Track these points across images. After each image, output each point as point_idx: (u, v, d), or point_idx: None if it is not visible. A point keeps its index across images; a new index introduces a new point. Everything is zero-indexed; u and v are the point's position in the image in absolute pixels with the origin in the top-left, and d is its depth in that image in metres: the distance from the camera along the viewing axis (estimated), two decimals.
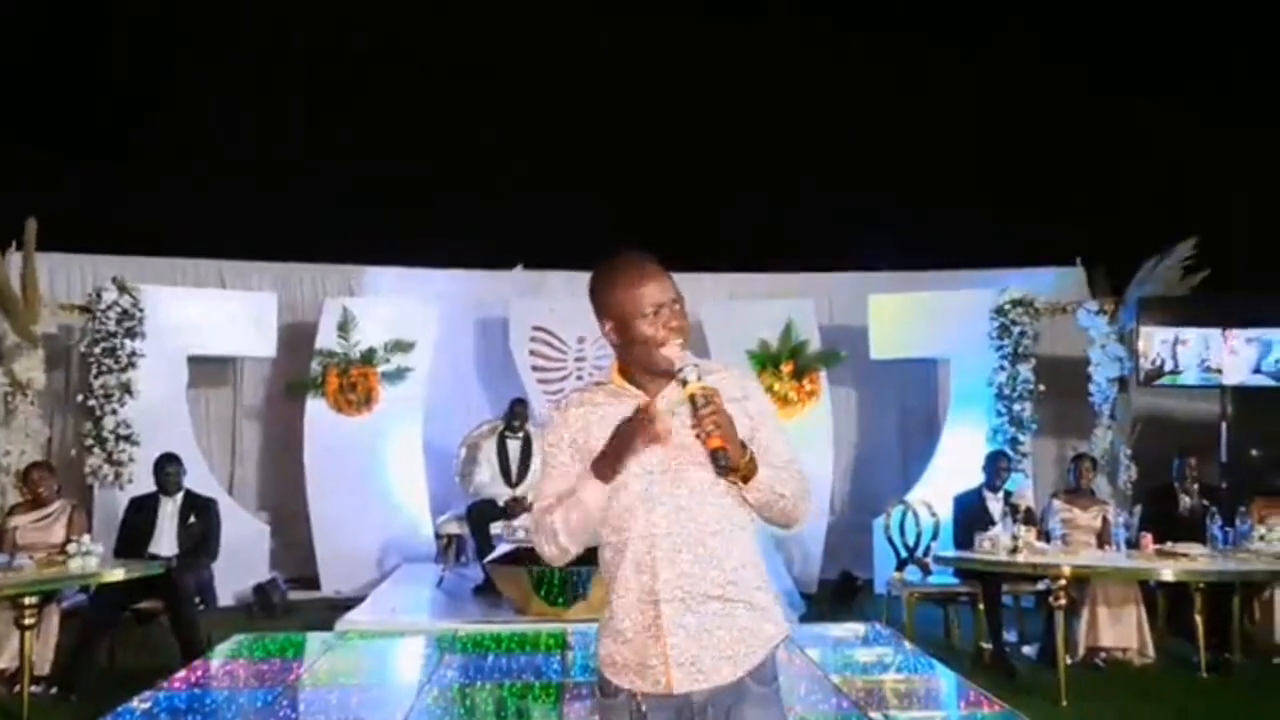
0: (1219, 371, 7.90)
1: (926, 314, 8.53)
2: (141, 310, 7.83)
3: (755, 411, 2.05)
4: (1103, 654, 5.91)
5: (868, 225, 10.37)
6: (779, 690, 2.06)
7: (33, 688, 4.95)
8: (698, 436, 1.91)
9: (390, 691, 4.88)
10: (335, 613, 6.67)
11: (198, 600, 5.96)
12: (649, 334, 2.00)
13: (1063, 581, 5.34)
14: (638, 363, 2.06)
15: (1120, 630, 5.90)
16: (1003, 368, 8.16)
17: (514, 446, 7.70)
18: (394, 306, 8.66)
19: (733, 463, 1.90)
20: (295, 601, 7.84)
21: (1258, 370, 7.92)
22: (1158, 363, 7.93)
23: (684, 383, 1.94)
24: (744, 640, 1.99)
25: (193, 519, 6.13)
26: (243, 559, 7.51)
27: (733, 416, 1.94)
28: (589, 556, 2.11)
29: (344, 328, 8.35)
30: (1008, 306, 8.20)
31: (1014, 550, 5.65)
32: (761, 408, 2.08)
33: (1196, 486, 6.67)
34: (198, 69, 10.91)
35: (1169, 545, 5.80)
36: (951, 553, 6.25)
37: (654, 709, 1.98)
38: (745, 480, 1.94)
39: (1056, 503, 6.43)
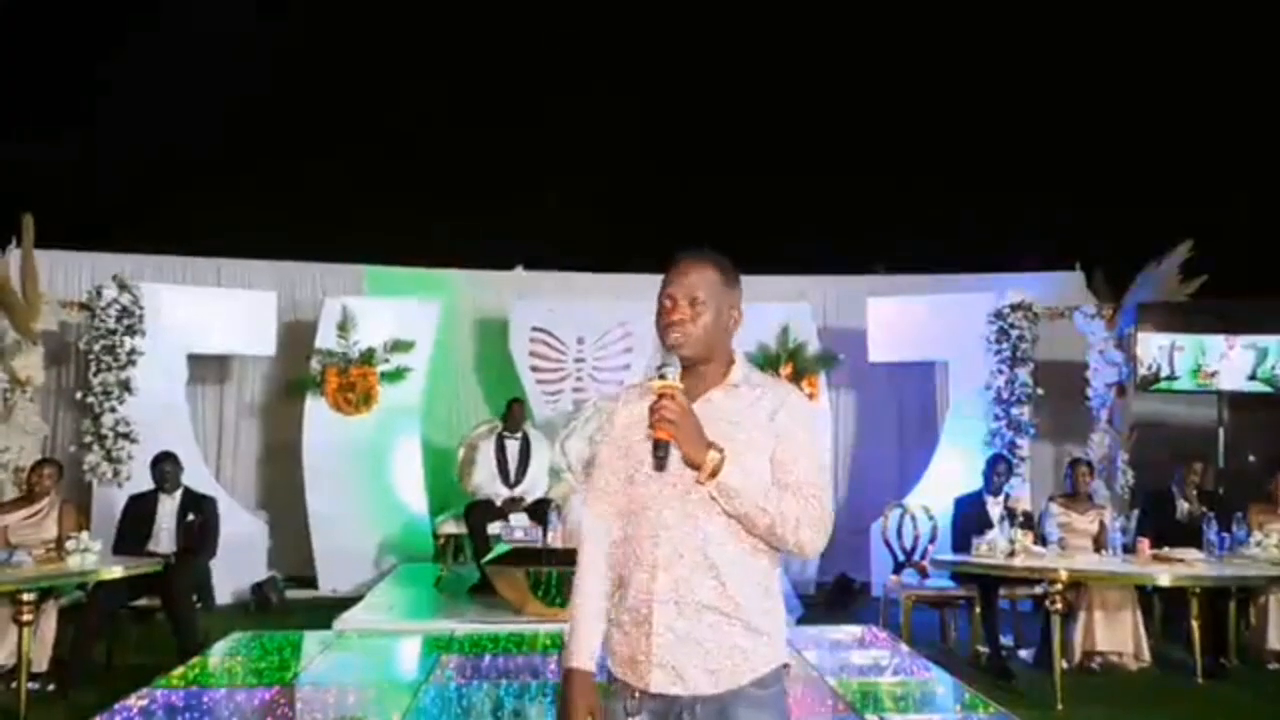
0: (1214, 375, 7.92)
1: (925, 317, 8.54)
2: (141, 308, 7.84)
3: (783, 430, 1.98)
4: (1099, 658, 5.92)
5: (866, 228, 10.40)
6: (780, 695, 2.02)
7: (30, 684, 4.93)
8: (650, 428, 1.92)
9: (387, 691, 4.87)
10: (333, 611, 6.66)
11: (195, 598, 5.97)
12: (660, 323, 2.02)
13: (1059, 586, 5.34)
14: None
15: (1116, 635, 5.91)
16: (1001, 371, 8.17)
17: (512, 447, 7.70)
18: (394, 306, 8.64)
19: (691, 460, 1.90)
20: (293, 600, 7.85)
21: (1253, 377, 7.93)
22: (1154, 368, 7.95)
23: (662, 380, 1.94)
24: (732, 658, 1.95)
25: (191, 517, 6.12)
26: (241, 557, 7.53)
27: (753, 437, 1.95)
28: None
29: (343, 327, 8.35)
30: (1006, 310, 8.21)
31: (1011, 554, 5.66)
32: (791, 427, 1.99)
33: (1195, 492, 6.67)
34: (197, 67, 10.95)
35: (1166, 550, 5.80)
36: (949, 556, 6.25)
37: (644, 703, 1.97)
38: (712, 476, 1.91)
39: (1054, 507, 6.42)
